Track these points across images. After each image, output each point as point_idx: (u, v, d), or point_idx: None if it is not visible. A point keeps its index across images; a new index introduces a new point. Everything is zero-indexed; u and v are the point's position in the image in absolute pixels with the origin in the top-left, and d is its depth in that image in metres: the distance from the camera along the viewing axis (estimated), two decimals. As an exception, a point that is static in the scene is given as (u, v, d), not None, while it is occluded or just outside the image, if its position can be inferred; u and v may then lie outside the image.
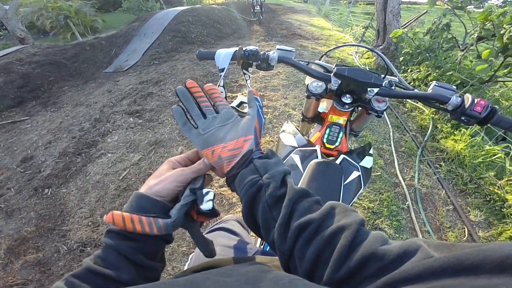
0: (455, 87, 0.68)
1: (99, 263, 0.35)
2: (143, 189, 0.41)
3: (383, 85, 0.74)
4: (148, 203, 0.39)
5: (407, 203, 1.85)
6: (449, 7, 2.94)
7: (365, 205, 1.79)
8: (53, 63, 4.71)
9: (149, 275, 0.39)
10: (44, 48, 5.07)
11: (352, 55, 4.77)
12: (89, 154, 2.57)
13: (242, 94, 3.23)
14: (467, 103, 0.63)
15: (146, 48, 5.21)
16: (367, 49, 4.44)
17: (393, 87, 0.76)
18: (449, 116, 2.37)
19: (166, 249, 1.60)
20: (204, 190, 0.41)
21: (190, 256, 0.70)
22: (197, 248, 0.68)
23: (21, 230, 1.90)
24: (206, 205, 0.39)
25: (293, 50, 0.82)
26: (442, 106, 0.68)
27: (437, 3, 3.21)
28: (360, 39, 5.89)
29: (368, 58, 4.51)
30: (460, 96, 0.66)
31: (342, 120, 0.82)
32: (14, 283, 1.58)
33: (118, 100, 3.50)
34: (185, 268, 0.74)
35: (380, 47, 4.16)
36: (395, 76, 0.81)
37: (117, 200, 1.99)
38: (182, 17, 5.98)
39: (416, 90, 0.72)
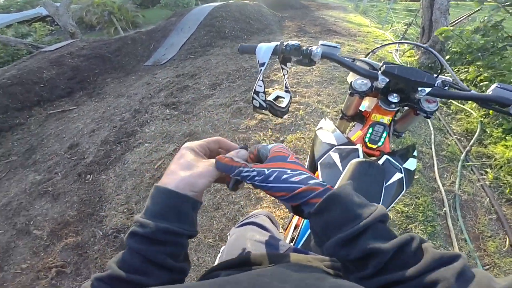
0: None
1: (124, 268, 0.33)
2: (170, 183, 0.36)
3: (436, 85, 0.70)
4: (179, 200, 0.36)
5: (444, 209, 1.75)
6: (499, 5, 2.65)
7: (399, 209, 1.72)
8: (98, 56, 5.08)
9: (177, 276, 0.37)
10: (91, 42, 5.49)
11: (392, 53, 4.52)
12: (128, 143, 2.72)
13: (277, 89, 3.23)
14: None
15: (183, 42, 5.41)
16: (409, 47, 4.10)
17: (446, 87, 0.72)
18: (500, 120, 2.20)
19: (192, 240, 1.65)
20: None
21: (222, 249, 0.70)
22: (228, 240, 0.68)
23: (64, 214, 2.04)
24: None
25: (338, 46, 0.80)
26: (503, 109, 0.64)
27: (485, 1, 2.91)
28: (401, 36, 5.54)
29: (410, 56, 4.24)
30: None
31: (386, 119, 0.79)
32: (53, 264, 1.69)
33: (156, 92, 3.69)
34: (216, 261, 0.71)
35: (425, 45, 3.89)
36: (450, 76, 0.76)
37: (151, 189, 2.09)
38: (216, 13, 6.10)
39: (473, 91, 0.68)
